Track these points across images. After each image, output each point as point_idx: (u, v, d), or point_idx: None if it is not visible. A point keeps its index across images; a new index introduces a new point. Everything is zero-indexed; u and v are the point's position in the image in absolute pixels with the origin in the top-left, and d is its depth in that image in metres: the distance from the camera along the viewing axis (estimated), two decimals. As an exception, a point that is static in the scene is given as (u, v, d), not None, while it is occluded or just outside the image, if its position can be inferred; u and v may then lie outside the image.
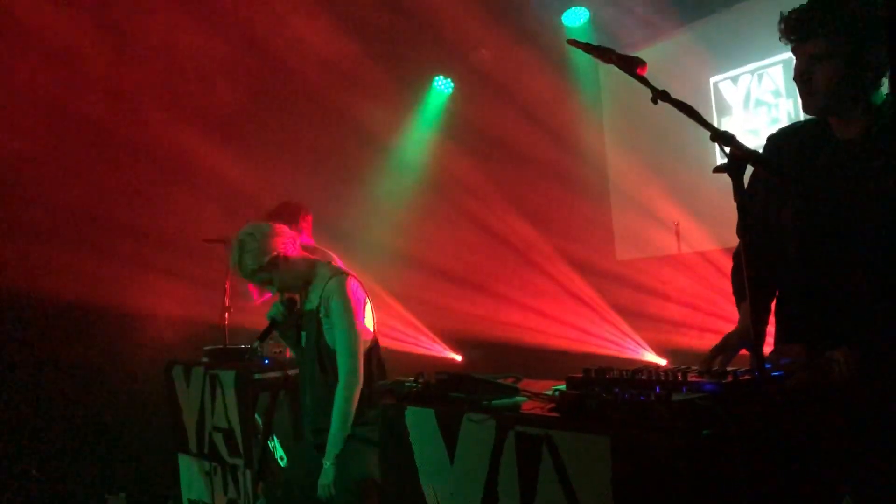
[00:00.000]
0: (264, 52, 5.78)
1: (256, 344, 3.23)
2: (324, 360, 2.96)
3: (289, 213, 4.24)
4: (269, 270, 2.95)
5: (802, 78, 2.05)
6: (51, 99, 5.06)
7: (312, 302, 3.01)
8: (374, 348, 3.05)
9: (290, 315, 3.05)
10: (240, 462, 4.14)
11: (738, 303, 2.26)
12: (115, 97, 5.36)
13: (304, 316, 3.05)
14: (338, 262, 4.29)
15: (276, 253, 2.94)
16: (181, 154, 5.50)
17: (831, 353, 1.97)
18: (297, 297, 3.08)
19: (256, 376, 4.13)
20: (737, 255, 2.29)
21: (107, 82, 5.30)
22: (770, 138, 2.26)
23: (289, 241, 3.01)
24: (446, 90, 7.52)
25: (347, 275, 3.01)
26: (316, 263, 3.08)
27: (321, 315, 2.95)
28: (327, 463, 2.88)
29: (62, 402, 5.19)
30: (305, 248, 4.28)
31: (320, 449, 2.94)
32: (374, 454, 2.87)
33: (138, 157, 5.52)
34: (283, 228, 3.04)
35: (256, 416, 4.29)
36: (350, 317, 2.90)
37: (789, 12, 2.05)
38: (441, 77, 7.47)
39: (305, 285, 3.06)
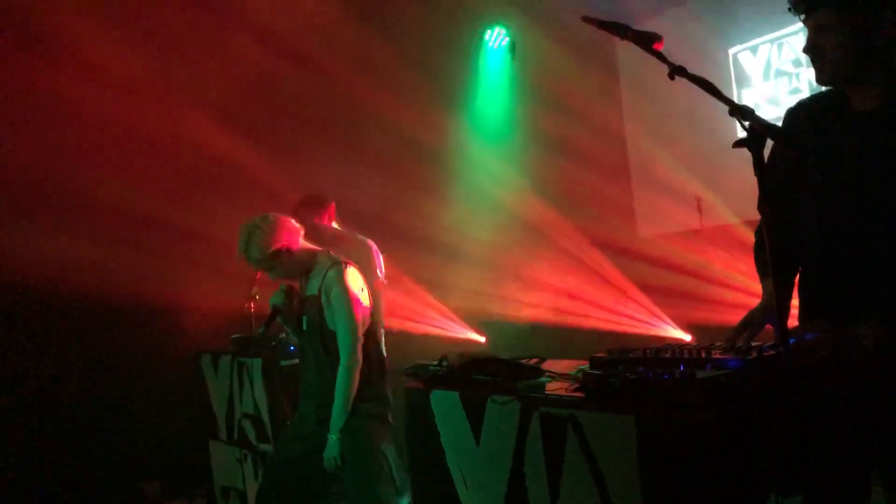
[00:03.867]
0: (284, 41, 5.78)
1: (261, 330, 3.39)
2: (326, 341, 3.17)
3: (314, 204, 4.42)
4: (272, 260, 3.16)
5: (812, 49, 2.03)
6: (80, 100, 5.12)
7: (313, 288, 3.22)
8: (371, 331, 3.24)
9: (291, 301, 3.26)
10: (269, 448, 4.20)
11: (762, 278, 2.24)
12: (147, 97, 5.42)
13: (305, 301, 3.26)
14: (372, 245, 4.40)
15: (280, 245, 3.14)
16: (204, 147, 5.55)
17: (857, 327, 1.96)
18: (296, 285, 3.31)
19: (283, 363, 4.20)
20: (759, 231, 2.27)
21: (138, 83, 5.37)
22: (788, 111, 2.23)
23: (294, 234, 3.21)
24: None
25: (345, 264, 3.20)
26: (316, 254, 3.28)
27: (322, 302, 3.16)
28: (333, 437, 3.07)
29: (96, 393, 5.28)
30: (335, 235, 4.39)
31: (322, 423, 3.13)
32: (377, 428, 3.15)
33: (161, 150, 5.58)
34: (288, 222, 3.23)
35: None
36: (349, 303, 3.13)
37: None
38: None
39: (305, 273, 3.29)
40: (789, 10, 2.05)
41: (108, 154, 5.36)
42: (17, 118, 5.05)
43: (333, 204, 4.58)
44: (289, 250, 3.16)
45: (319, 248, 3.33)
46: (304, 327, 3.25)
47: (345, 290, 3.12)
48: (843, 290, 2.01)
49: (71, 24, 5.01)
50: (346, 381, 3.08)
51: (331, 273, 3.15)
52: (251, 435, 4.40)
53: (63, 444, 5.13)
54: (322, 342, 3.17)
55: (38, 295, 5.02)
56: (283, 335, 4.26)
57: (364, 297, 3.22)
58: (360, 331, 3.14)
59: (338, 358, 3.12)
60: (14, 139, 5.03)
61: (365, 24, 6.13)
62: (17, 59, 5.01)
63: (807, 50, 2.05)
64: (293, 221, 3.27)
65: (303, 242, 3.25)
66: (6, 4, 5.01)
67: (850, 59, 1.97)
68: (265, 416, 4.24)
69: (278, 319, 3.32)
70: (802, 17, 2.03)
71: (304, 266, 3.25)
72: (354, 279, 3.20)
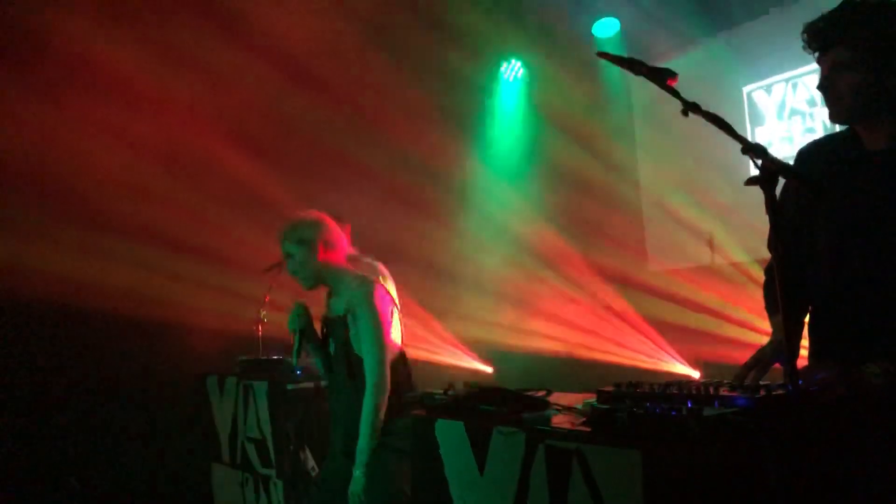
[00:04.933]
0: (300, 67, 5.86)
1: (294, 361, 3.22)
2: (352, 366, 2.96)
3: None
4: (299, 246, 3.03)
5: (826, 87, 2.04)
6: (95, 120, 5.20)
7: (338, 308, 3.03)
8: (401, 357, 3.05)
9: (310, 320, 3.10)
10: (272, 473, 4.18)
11: (771, 316, 2.23)
12: (162, 118, 5.50)
13: (330, 322, 3.08)
14: (384, 270, 4.37)
15: (317, 239, 3.03)
16: (217, 169, 5.60)
17: (867, 366, 1.94)
18: (307, 305, 3.15)
19: (289, 387, 4.18)
20: (769, 269, 2.27)
21: (154, 104, 5.45)
22: (800, 151, 2.23)
23: (338, 249, 3.08)
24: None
25: (374, 283, 3.00)
26: (345, 272, 3.08)
27: (349, 322, 2.96)
28: (357, 471, 2.86)
29: (100, 412, 5.28)
30: (347, 257, 4.39)
31: (349, 456, 2.93)
32: (402, 465, 2.87)
33: (174, 171, 5.62)
34: (343, 238, 3.13)
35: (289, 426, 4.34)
36: (377, 325, 2.90)
37: (812, 22, 2.03)
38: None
39: (321, 285, 3.11)
40: (804, 48, 2.06)
41: (118, 173, 5.39)
42: (32, 137, 5.11)
43: (349, 226, 4.57)
44: (314, 246, 3.01)
45: (351, 268, 3.13)
46: (332, 350, 3.08)
47: (373, 311, 2.90)
48: (855, 331, 2.00)
49: (87, 41, 5.08)
50: (371, 414, 2.84)
51: (357, 292, 2.94)
52: (254, 459, 4.38)
53: (64, 464, 5.11)
54: (347, 366, 2.97)
55: (45, 313, 5.04)
56: (294, 362, 4.22)
57: (395, 321, 3.03)
58: (389, 356, 2.92)
59: (363, 384, 2.88)
60: (27, 157, 5.09)
61: (382, 53, 6.21)
62: (36, 77, 5.09)
63: (821, 87, 2.06)
64: (346, 242, 3.16)
65: (339, 258, 3.10)
66: (26, 24, 5.10)
67: (863, 97, 1.98)
68: (269, 441, 4.22)
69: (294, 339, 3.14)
70: (817, 55, 2.05)
71: (321, 275, 3.05)
72: (384, 300, 2.99)
